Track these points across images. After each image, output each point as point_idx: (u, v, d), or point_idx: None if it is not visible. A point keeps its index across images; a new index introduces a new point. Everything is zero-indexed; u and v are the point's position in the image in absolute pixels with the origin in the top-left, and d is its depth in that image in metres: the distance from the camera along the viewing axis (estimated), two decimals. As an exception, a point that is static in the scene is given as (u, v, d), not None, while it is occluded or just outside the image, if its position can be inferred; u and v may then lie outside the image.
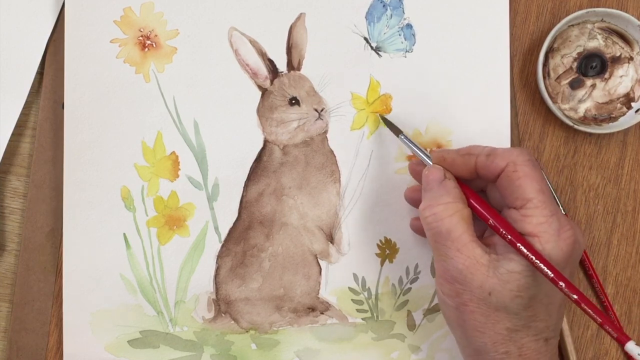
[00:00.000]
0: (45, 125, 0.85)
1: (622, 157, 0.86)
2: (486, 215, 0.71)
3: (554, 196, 0.85)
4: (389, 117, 0.84)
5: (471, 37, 0.85)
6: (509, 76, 0.84)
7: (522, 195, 0.69)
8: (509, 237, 0.68)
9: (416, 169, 0.79)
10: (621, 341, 0.64)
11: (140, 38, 0.84)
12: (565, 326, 0.84)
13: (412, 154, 0.83)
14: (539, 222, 0.68)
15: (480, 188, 0.77)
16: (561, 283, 0.66)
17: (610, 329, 0.64)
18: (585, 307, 0.65)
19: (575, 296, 0.66)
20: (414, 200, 0.82)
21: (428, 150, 0.80)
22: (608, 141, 0.86)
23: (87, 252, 0.83)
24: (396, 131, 0.81)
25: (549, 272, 0.66)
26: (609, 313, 0.86)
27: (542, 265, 0.66)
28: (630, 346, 0.64)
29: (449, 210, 0.71)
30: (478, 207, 0.72)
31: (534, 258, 0.67)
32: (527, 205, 0.69)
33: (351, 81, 0.85)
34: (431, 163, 0.76)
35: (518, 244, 0.67)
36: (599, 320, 0.65)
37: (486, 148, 0.73)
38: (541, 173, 0.71)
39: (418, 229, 0.83)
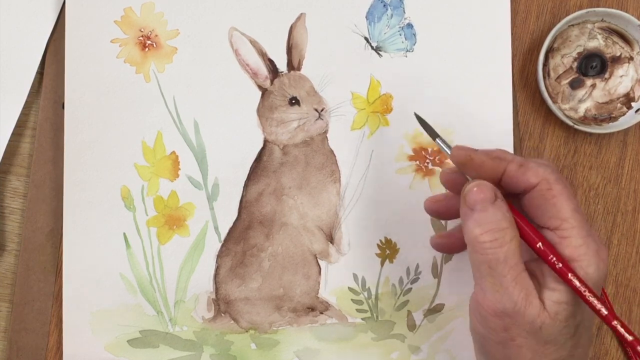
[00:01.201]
0: (45, 125, 0.85)
1: (622, 157, 0.86)
2: (537, 240, 0.65)
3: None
4: (422, 117, 0.77)
5: (472, 37, 0.85)
6: (510, 76, 0.84)
7: (557, 214, 0.64)
8: (559, 265, 0.63)
9: (451, 178, 0.72)
10: None
11: (141, 38, 0.84)
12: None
13: (413, 155, 0.83)
14: (578, 244, 0.63)
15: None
16: (615, 322, 0.63)
17: None
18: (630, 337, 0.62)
19: (630, 337, 0.62)
20: (437, 212, 0.76)
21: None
22: (608, 141, 0.87)
23: (87, 251, 0.83)
24: (433, 134, 0.74)
25: (603, 310, 0.63)
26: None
27: (594, 301, 0.62)
28: None
29: (507, 236, 0.64)
30: (528, 231, 0.65)
31: (588, 295, 0.63)
32: (562, 225, 0.64)
33: (351, 81, 0.85)
34: (449, 152, 0.69)
35: (569, 276, 0.63)
36: None
37: (517, 157, 0.67)
38: (572, 190, 0.66)
39: (444, 247, 0.78)
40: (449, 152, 0.69)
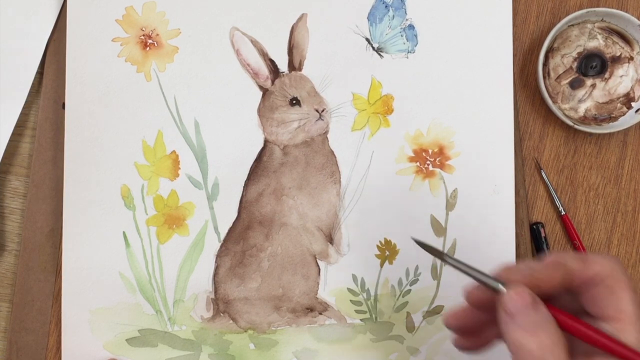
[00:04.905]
0: (45, 125, 0.85)
1: (622, 157, 0.86)
2: (598, 338, 0.59)
3: (555, 196, 0.85)
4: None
5: (473, 38, 0.85)
6: (511, 77, 0.84)
7: (618, 306, 0.59)
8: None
9: (475, 293, 0.64)
10: None
11: (142, 37, 0.84)
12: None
13: (414, 156, 0.83)
14: (637, 338, 0.58)
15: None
16: None
17: None
18: None
19: None
20: (461, 329, 0.67)
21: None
22: (608, 141, 0.87)
23: (87, 250, 0.83)
24: (440, 255, 0.63)
25: None
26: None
27: None
28: None
29: (557, 350, 0.58)
30: (589, 332, 0.60)
31: None
32: (621, 318, 0.59)
33: (352, 82, 0.85)
34: (503, 288, 0.60)
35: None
36: None
37: (574, 255, 0.61)
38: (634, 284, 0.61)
39: (477, 301, 0.65)
40: (503, 289, 0.60)
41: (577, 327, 0.59)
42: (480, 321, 0.65)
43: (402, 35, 0.85)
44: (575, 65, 0.84)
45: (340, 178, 0.85)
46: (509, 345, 0.59)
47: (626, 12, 0.84)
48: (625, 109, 0.85)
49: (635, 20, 0.82)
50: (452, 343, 0.67)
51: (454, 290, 0.84)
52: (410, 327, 0.85)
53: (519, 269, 0.60)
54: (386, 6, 0.85)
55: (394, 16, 0.85)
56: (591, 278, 0.60)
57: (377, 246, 0.85)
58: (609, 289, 0.60)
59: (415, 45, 0.85)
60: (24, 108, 0.85)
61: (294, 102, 0.84)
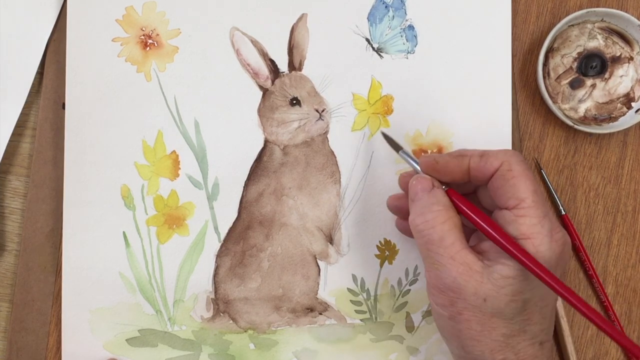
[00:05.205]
0: (45, 125, 0.85)
1: (622, 157, 0.86)
2: (478, 220, 0.70)
3: (555, 196, 0.85)
4: (388, 131, 0.84)
5: (473, 39, 0.85)
6: (510, 78, 0.84)
7: (515, 194, 0.68)
8: (502, 241, 0.67)
9: (407, 181, 0.77)
10: (622, 344, 0.63)
11: (142, 37, 0.84)
12: (565, 326, 0.84)
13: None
14: (532, 223, 0.67)
15: (468, 192, 0.77)
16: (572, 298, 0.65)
17: (611, 333, 0.64)
18: (584, 309, 0.64)
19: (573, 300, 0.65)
20: (397, 208, 0.81)
21: (429, 152, 0.79)
22: (608, 141, 0.87)
23: (87, 250, 0.83)
24: (396, 147, 0.80)
25: (551, 281, 0.66)
26: (609, 313, 0.86)
27: (537, 270, 0.66)
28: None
29: (440, 218, 0.70)
30: (469, 212, 0.71)
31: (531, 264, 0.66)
32: (520, 205, 0.68)
33: (352, 82, 0.85)
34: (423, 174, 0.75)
35: (511, 248, 0.67)
36: (600, 324, 0.64)
37: (478, 150, 0.72)
38: (534, 175, 0.71)
39: (405, 228, 0.82)
40: (416, 164, 0.75)
41: (465, 211, 0.71)
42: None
43: (402, 36, 0.85)
44: (575, 65, 0.84)
45: (340, 178, 0.85)
46: (410, 223, 0.73)
47: (626, 12, 0.84)
48: (625, 109, 0.85)
49: (635, 20, 0.82)
50: (395, 224, 0.84)
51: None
52: (410, 327, 0.85)
53: (428, 158, 0.74)
54: (386, 6, 0.85)
55: (393, 16, 0.85)
56: (490, 171, 0.70)
57: (377, 246, 0.85)
58: (504, 179, 0.69)
59: (415, 46, 0.85)
60: (24, 108, 0.85)
61: (294, 102, 0.84)
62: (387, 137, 0.81)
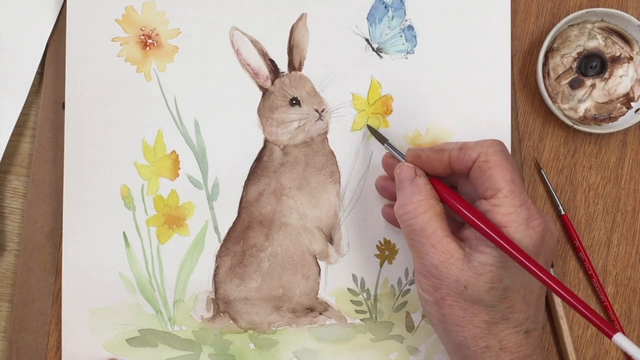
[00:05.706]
0: (45, 125, 0.85)
1: (622, 157, 0.87)
2: (458, 206, 0.72)
3: (554, 196, 0.85)
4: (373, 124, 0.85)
5: (472, 40, 0.85)
6: (509, 78, 0.84)
7: (492, 185, 0.70)
8: (480, 224, 0.69)
9: (388, 162, 0.82)
10: (593, 322, 0.64)
11: (142, 37, 0.84)
12: (565, 326, 0.84)
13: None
14: (508, 212, 0.69)
15: (454, 184, 0.79)
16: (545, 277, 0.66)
17: (594, 318, 0.64)
18: (563, 293, 0.66)
19: (552, 284, 0.66)
20: (384, 188, 0.84)
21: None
22: (608, 141, 0.87)
23: (87, 250, 0.83)
24: (382, 139, 0.82)
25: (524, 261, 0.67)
26: (609, 313, 0.86)
27: (513, 251, 0.67)
28: (619, 338, 0.63)
29: (421, 208, 0.72)
30: (450, 199, 0.73)
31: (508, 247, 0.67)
32: (497, 195, 0.70)
33: (352, 82, 0.85)
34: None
35: (490, 232, 0.68)
36: (580, 308, 0.65)
37: (458, 143, 0.74)
38: (513, 164, 0.72)
39: (390, 217, 0.84)
40: (402, 156, 0.78)
41: (446, 198, 0.73)
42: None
43: (401, 36, 0.85)
44: (575, 65, 0.84)
45: (340, 178, 0.85)
46: (395, 213, 0.75)
47: (626, 12, 0.84)
48: (625, 109, 0.85)
49: (635, 20, 0.83)
50: (382, 213, 0.85)
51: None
52: (410, 327, 0.85)
53: (412, 152, 0.77)
54: (385, 7, 0.85)
55: (393, 17, 0.85)
56: (469, 163, 0.72)
57: (377, 246, 0.85)
58: (481, 170, 0.71)
59: (415, 46, 0.85)
60: (24, 108, 0.85)
61: (294, 102, 0.84)
62: (372, 130, 0.83)
